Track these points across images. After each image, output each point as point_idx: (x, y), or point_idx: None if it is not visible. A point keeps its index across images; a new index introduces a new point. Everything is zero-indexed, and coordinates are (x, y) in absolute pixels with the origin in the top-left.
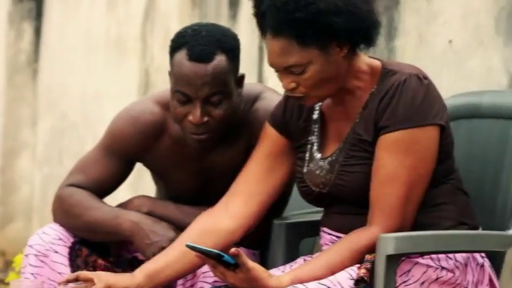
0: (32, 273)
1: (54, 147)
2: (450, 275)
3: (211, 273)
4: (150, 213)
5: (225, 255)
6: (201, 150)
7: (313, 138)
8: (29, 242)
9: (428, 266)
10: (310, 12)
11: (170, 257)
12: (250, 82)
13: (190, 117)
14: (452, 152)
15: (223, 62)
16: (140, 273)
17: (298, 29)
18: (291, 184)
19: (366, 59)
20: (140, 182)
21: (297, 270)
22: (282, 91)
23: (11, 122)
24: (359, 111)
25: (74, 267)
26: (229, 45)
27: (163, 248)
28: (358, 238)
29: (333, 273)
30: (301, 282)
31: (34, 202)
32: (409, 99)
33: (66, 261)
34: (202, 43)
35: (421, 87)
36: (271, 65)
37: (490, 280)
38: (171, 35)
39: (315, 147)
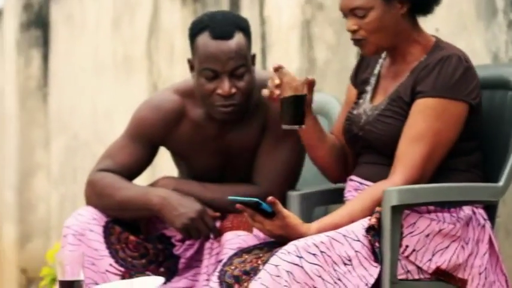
0: (71, 250)
1: (68, 166)
2: (451, 226)
3: (235, 241)
4: (175, 191)
5: (263, 203)
6: (219, 130)
7: (369, 89)
8: (65, 223)
9: (432, 220)
10: None
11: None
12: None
13: (219, 91)
14: (479, 133)
15: (242, 39)
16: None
17: None
18: (302, 162)
19: (424, 33)
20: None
21: (323, 220)
22: None
23: (25, 145)
24: (407, 74)
25: (108, 243)
26: (244, 24)
27: (191, 219)
28: (379, 187)
29: (353, 221)
30: (325, 230)
31: (51, 220)
32: (448, 73)
33: (101, 239)
34: (222, 24)
35: (460, 66)
36: (341, 8)
37: (490, 240)
38: (176, 50)
39: (368, 96)
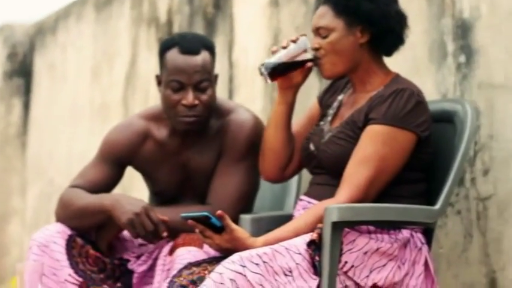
0: (34, 260)
1: (43, 212)
2: (389, 245)
3: (186, 256)
4: None
5: (213, 217)
6: (179, 148)
7: (331, 113)
8: (32, 236)
9: (371, 238)
10: None
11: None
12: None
13: (184, 101)
14: (426, 166)
15: (207, 56)
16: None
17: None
18: (256, 188)
19: (386, 68)
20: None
21: (269, 234)
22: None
23: (1, 191)
24: (363, 102)
25: (70, 255)
26: (210, 44)
27: (136, 214)
28: (324, 205)
29: (298, 235)
30: (271, 243)
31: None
32: (400, 104)
33: (63, 250)
34: (190, 41)
35: (412, 99)
36: (311, 27)
37: (426, 263)
38: (151, 96)
39: (329, 119)
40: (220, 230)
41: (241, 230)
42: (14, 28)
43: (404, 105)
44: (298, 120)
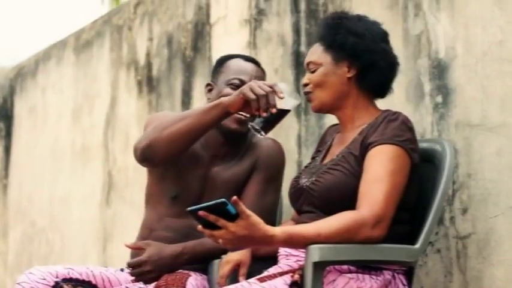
0: None
1: (25, 254)
2: (369, 285)
3: None
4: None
5: (229, 203)
6: (210, 160)
7: (323, 150)
8: (17, 280)
9: (351, 278)
10: (337, 24)
11: None
12: None
13: None
14: (412, 206)
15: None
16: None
17: (326, 34)
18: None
19: (375, 105)
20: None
21: (287, 226)
22: None
23: None
24: (355, 136)
25: None
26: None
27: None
28: (346, 212)
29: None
30: (291, 235)
31: None
32: (396, 125)
33: None
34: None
35: (407, 123)
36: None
37: None
38: (131, 138)
39: (321, 156)
40: (234, 218)
41: (256, 216)
42: None
43: (399, 127)
44: None
